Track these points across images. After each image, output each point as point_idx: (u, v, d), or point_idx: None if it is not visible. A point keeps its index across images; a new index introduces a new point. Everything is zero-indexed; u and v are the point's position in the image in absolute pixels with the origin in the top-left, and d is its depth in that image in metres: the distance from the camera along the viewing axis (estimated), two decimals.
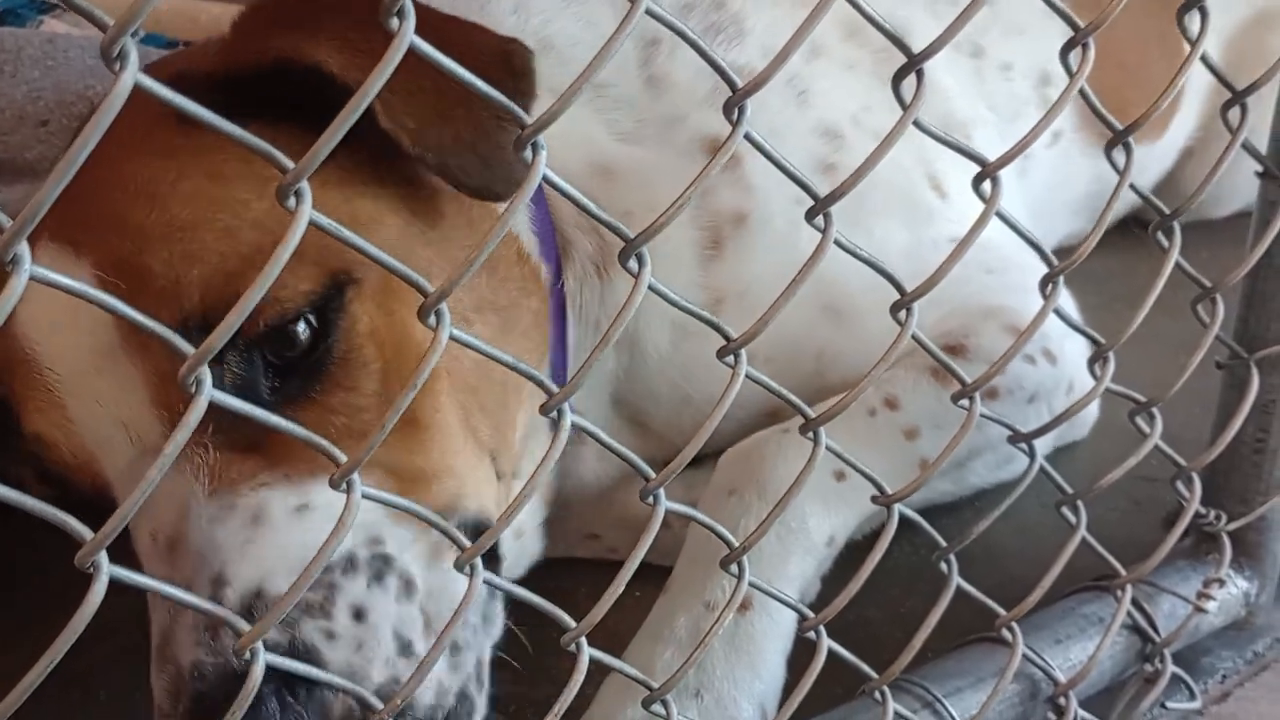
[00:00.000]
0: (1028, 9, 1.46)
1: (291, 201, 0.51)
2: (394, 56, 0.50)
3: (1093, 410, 1.33)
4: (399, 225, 0.90)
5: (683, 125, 1.17)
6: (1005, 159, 0.74)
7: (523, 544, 1.10)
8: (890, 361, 0.75)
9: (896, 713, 0.87)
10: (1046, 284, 0.83)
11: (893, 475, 0.86)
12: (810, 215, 0.68)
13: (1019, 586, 0.94)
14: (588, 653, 0.70)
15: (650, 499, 0.69)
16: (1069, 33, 0.76)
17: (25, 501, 0.46)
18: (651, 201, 1.05)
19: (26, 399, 0.83)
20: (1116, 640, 1.00)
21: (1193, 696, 1.05)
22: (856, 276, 0.78)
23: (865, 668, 0.86)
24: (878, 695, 0.87)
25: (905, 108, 0.68)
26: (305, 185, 0.50)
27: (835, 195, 0.67)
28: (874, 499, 0.83)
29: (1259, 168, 0.99)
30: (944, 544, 0.89)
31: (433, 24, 0.87)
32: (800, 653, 1.00)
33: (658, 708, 0.77)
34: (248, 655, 0.57)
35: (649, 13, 0.58)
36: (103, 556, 0.48)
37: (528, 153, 0.57)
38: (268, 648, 0.56)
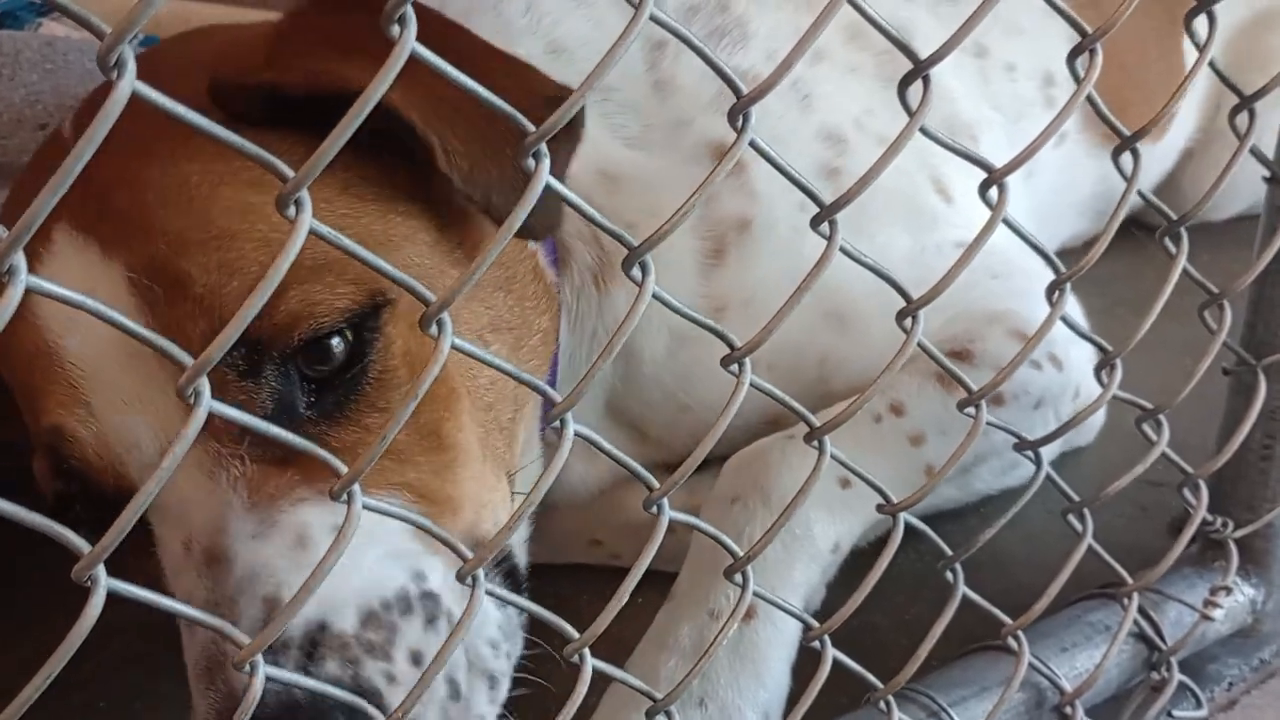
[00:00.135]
0: (1026, 9, 1.45)
1: (291, 210, 0.50)
2: (395, 64, 0.50)
3: (1099, 416, 1.33)
4: (429, 243, 0.89)
5: (688, 130, 1.17)
6: (1012, 165, 0.73)
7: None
8: (896, 369, 0.74)
9: None
10: (1054, 291, 0.82)
11: (898, 481, 0.86)
12: (816, 223, 0.68)
13: (1024, 593, 0.93)
14: (591, 664, 0.70)
15: (654, 509, 0.69)
16: (1069, 32, 0.75)
17: (22, 515, 0.45)
18: (655, 208, 1.05)
19: (47, 391, 0.81)
20: (1123, 648, 0.99)
21: (1199, 705, 1.04)
22: (859, 282, 0.78)
23: (871, 677, 0.86)
24: (883, 705, 0.87)
25: (911, 114, 0.68)
26: (305, 195, 0.50)
27: (841, 203, 0.66)
28: (880, 508, 0.82)
29: (1266, 173, 0.98)
30: (949, 552, 0.88)
31: (483, 60, 0.86)
32: (805, 661, 0.99)
33: (661, 718, 0.76)
34: (248, 667, 0.57)
35: (654, 19, 0.58)
36: (100, 570, 0.47)
37: (530, 161, 0.57)
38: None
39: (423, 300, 0.57)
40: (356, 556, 0.77)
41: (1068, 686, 0.96)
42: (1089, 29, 0.74)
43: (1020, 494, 0.89)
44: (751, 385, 0.69)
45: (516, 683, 0.87)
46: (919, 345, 0.75)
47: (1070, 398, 1.22)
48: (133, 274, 0.78)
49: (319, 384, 0.81)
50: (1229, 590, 1.06)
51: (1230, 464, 1.03)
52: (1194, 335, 0.97)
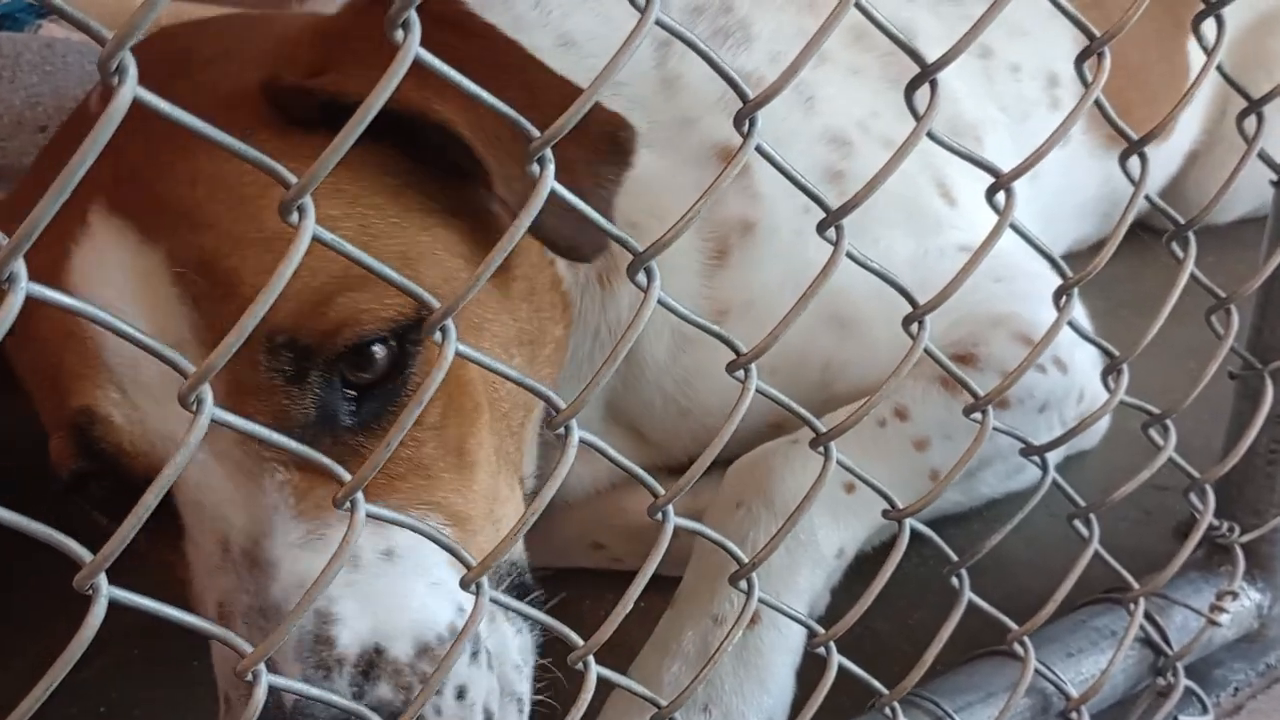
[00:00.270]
0: (1031, 9, 1.45)
1: (294, 217, 0.50)
2: (399, 70, 0.49)
3: (1103, 420, 1.32)
4: (465, 257, 0.89)
5: (694, 129, 1.16)
6: (1019, 170, 0.73)
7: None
8: (902, 375, 0.74)
9: None
10: (1060, 295, 0.82)
11: (903, 487, 0.86)
12: (822, 228, 0.67)
13: (1029, 597, 0.93)
14: (595, 670, 0.69)
15: (659, 515, 0.68)
16: (1074, 32, 0.75)
17: (23, 524, 0.45)
18: (658, 210, 1.04)
19: (81, 374, 0.80)
20: (1128, 653, 0.99)
21: (1205, 710, 1.04)
22: (862, 286, 0.77)
23: (875, 683, 0.85)
24: (888, 710, 0.86)
25: (918, 118, 0.67)
26: (308, 201, 0.50)
27: (847, 208, 0.66)
28: (885, 514, 0.82)
29: (1271, 176, 0.98)
30: (954, 558, 0.88)
31: (543, 86, 0.85)
32: (809, 666, 0.99)
33: None
34: (250, 676, 0.56)
35: (659, 23, 0.57)
36: (102, 579, 0.47)
37: (534, 167, 0.56)
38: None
39: (427, 307, 0.56)
40: (408, 586, 0.78)
41: (1073, 692, 0.95)
42: (1097, 32, 0.73)
43: (1025, 498, 0.89)
44: (757, 391, 0.69)
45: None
46: (925, 350, 0.75)
47: (1075, 401, 1.22)
48: (175, 264, 0.77)
49: (360, 392, 0.81)
50: (1235, 595, 1.05)
51: (1236, 468, 1.02)
52: (1197, 337, 0.96)
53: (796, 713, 0.84)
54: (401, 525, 0.62)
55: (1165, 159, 1.88)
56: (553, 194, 0.76)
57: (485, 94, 0.53)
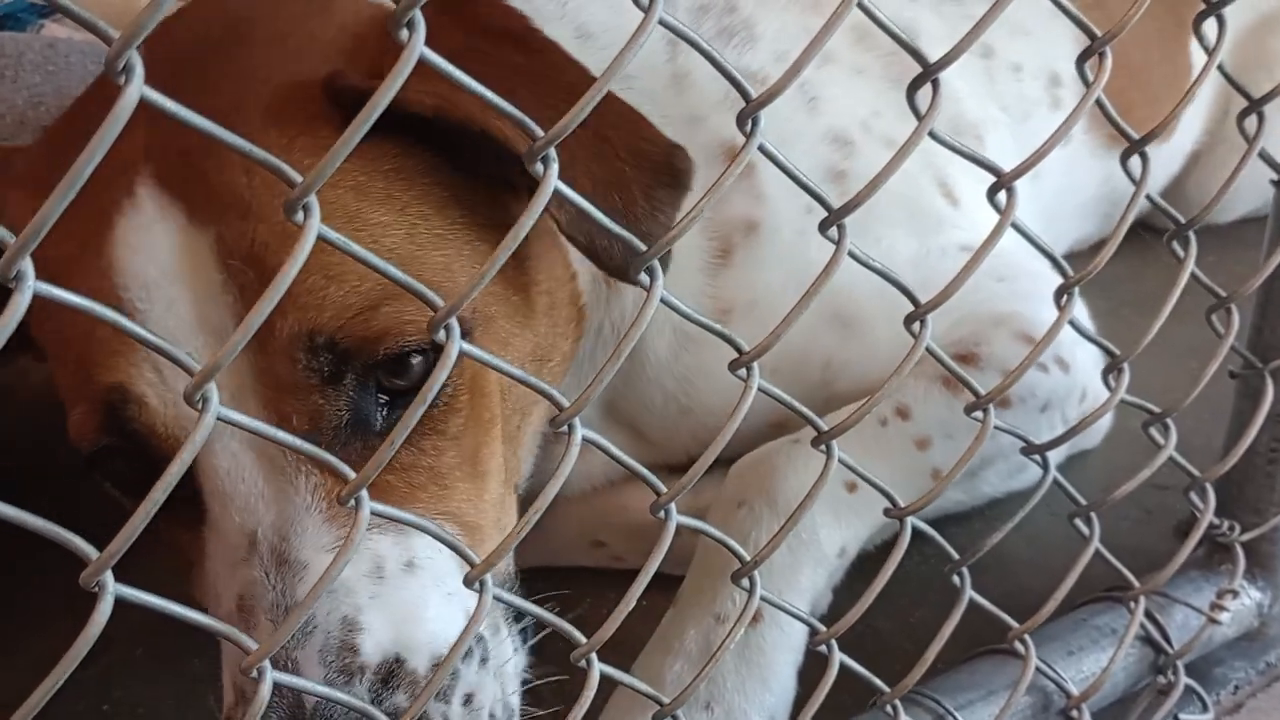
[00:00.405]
0: (1032, 9, 1.45)
1: (299, 215, 0.50)
2: (404, 69, 0.49)
3: (1105, 419, 1.32)
4: (506, 274, 0.89)
5: (702, 126, 1.15)
6: (1021, 169, 0.73)
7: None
8: (904, 374, 0.74)
9: None
10: (1061, 295, 0.82)
11: (904, 486, 0.86)
12: (824, 227, 0.68)
13: (1029, 595, 0.93)
14: (598, 668, 0.70)
15: (661, 513, 0.68)
16: (1075, 32, 0.75)
17: (28, 520, 0.45)
18: None
19: (116, 350, 0.78)
20: (1129, 652, 0.99)
21: (1205, 708, 1.04)
22: (864, 285, 0.78)
23: (877, 681, 0.85)
24: (890, 709, 0.87)
25: (920, 118, 0.67)
26: (313, 200, 0.50)
27: (849, 207, 0.66)
28: (887, 512, 0.82)
29: (1271, 175, 0.98)
30: (955, 556, 0.88)
31: (606, 111, 0.86)
32: (810, 664, 0.99)
33: None
34: (254, 673, 0.56)
35: (662, 23, 0.58)
36: (108, 576, 0.47)
37: (538, 167, 0.56)
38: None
39: (430, 305, 0.57)
40: (426, 598, 0.79)
41: (1074, 690, 0.96)
42: (1099, 32, 0.74)
43: (1026, 497, 0.89)
44: (759, 389, 0.69)
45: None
46: (926, 349, 0.75)
47: (1077, 400, 1.22)
48: (224, 250, 0.77)
49: (393, 399, 0.81)
50: (1235, 594, 1.06)
51: (1237, 467, 1.02)
52: (1197, 336, 0.96)
53: (798, 710, 0.85)
54: (407, 524, 0.62)
55: (1167, 159, 1.88)
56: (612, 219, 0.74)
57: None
